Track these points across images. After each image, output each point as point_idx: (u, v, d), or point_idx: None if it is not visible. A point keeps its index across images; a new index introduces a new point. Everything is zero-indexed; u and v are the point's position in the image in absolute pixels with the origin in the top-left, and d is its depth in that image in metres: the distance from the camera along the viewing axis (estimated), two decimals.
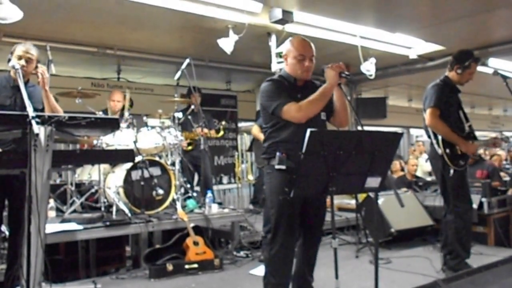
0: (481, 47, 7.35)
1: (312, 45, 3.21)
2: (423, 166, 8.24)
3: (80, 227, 4.43)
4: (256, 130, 5.55)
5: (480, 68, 7.33)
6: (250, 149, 7.77)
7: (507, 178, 6.96)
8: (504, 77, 4.26)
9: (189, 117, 6.11)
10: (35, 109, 2.92)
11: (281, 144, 3.12)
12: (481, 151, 8.38)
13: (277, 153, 3.08)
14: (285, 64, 3.26)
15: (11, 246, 3.64)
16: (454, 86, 4.26)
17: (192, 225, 4.84)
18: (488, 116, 16.14)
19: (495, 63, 7.86)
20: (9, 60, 3.45)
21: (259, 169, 7.64)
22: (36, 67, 3.57)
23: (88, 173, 5.41)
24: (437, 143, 4.15)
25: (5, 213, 3.78)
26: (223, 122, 6.81)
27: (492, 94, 11.89)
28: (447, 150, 4.09)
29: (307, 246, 3.32)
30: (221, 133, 6.61)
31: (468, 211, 4.18)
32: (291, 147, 3.03)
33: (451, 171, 4.10)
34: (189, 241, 4.70)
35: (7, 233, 3.90)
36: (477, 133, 4.32)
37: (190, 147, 6.29)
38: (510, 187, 6.27)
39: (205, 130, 5.99)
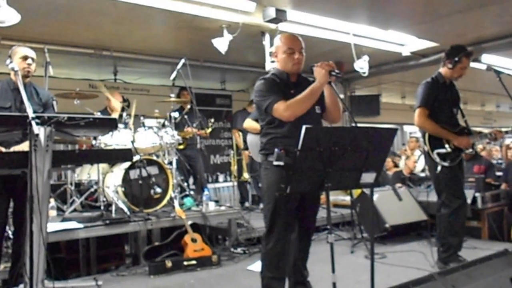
0: (474, 43, 7.34)
1: (300, 38, 3.26)
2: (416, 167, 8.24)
3: (81, 225, 4.49)
4: (250, 123, 4.97)
5: (473, 64, 7.33)
6: (246, 148, 7.74)
7: (500, 173, 7.02)
8: (498, 72, 4.26)
9: (185, 116, 6.17)
10: (35, 112, 2.97)
11: (279, 140, 3.15)
12: (480, 146, 8.38)
13: (276, 150, 3.10)
14: (276, 61, 3.32)
15: (15, 245, 3.70)
16: (446, 82, 4.27)
17: (189, 222, 4.91)
18: (480, 112, 16.13)
19: (488, 59, 7.86)
20: (10, 62, 3.48)
21: (260, 164, 7.60)
22: None
23: (87, 172, 5.46)
24: (424, 141, 4.24)
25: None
26: (212, 119, 6.82)
27: (484, 90, 11.92)
28: (434, 147, 4.16)
29: (300, 239, 3.37)
30: (209, 130, 6.61)
31: (462, 206, 4.21)
32: (290, 143, 3.04)
33: (439, 168, 4.15)
34: (187, 238, 4.77)
35: (10, 232, 3.96)
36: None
37: (181, 146, 6.30)
38: (503, 182, 6.35)
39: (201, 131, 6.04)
